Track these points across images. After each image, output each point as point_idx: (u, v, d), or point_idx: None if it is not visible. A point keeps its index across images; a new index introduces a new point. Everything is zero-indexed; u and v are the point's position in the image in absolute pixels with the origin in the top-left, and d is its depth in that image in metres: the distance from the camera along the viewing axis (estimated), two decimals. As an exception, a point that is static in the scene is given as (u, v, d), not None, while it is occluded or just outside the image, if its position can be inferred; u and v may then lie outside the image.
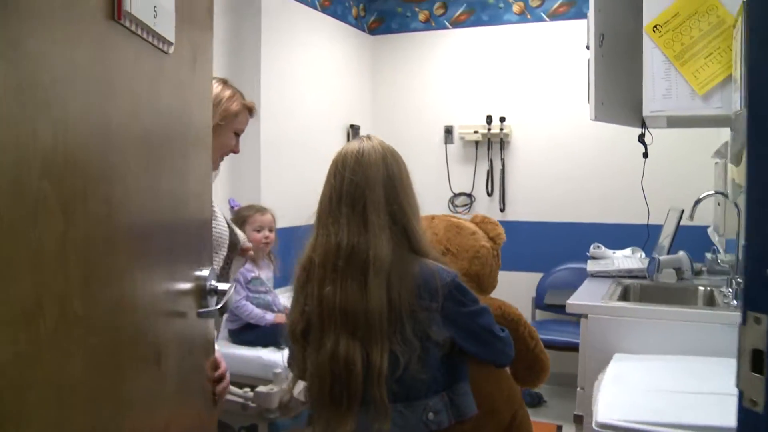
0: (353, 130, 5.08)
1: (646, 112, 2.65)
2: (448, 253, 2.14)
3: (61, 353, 0.97)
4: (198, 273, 1.59)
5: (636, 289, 2.75)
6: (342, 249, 1.73)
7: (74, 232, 1.01)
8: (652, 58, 2.68)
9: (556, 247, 4.82)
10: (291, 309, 1.89)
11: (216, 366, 1.73)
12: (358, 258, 1.71)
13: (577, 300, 2.38)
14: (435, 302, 1.72)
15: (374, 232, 1.72)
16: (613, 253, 3.41)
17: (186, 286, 1.51)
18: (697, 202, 2.71)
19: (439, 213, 2.39)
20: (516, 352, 1.95)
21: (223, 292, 1.66)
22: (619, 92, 2.93)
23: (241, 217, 3.28)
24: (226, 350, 3.06)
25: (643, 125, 3.11)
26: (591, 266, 3.04)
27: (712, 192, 2.89)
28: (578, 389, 2.35)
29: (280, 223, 4.09)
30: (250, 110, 2.25)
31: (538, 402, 4.59)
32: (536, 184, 4.94)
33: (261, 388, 2.86)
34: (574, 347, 4.17)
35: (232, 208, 3.37)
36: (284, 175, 4.25)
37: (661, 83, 2.68)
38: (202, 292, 1.61)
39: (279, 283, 3.48)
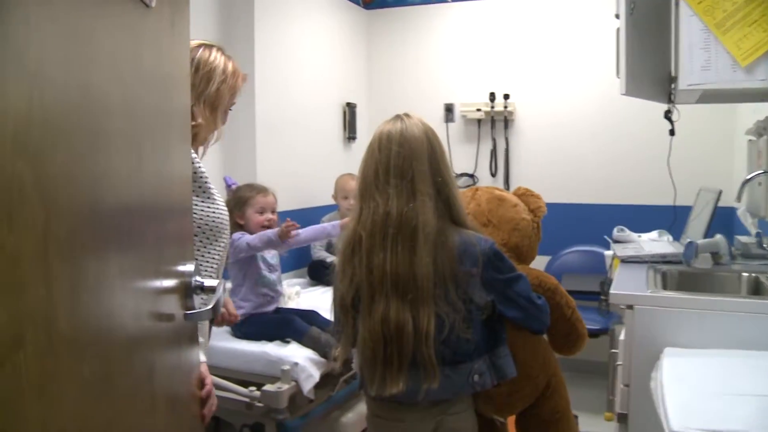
0: (349, 109, 4.86)
1: (682, 86, 2.44)
2: (490, 224, 2.21)
3: (44, 391, 0.75)
4: (181, 268, 1.39)
5: (674, 275, 2.56)
6: (392, 217, 1.82)
7: (57, 226, 0.78)
8: (690, 26, 2.47)
9: (564, 229, 4.63)
10: (339, 281, 1.94)
11: (202, 382, 1.52)
12: (408, 225, 1.81)
13: (620, 289, 2.18)
14: (475, 268, 1.84)
15: (422, 201, 1.82)
16: (639, 236, 3.22)
17: (169, 284, 1.32)
18: (745, 182, 2.53)
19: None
20: (553, 320, 2.11)
21: (212, 290, 1.46)
22: (648, 65, 2.72)
23: (241, 198, 3.06)
24: (227, 345, 2.86)
25: (670, 101, 2.91)
26: (620, 251, 2.84)
27: (761, 171, 2.69)
28: (621, 386, 2.16)
29: (279, 207, 3.88)
30: (244, 81, 2.05)
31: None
32: (542, 164, 4.74)
33: (269, 387, 2.65)
34: (590, 334, 4.05)
35: (228, 187, 3.14)
36: (280, 156, 4.02)
37: (699, 54, 2.47)
38: (187, 291, 1.41)
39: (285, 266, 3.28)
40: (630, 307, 2.10)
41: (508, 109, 4.75)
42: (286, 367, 2.66)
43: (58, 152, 0.82)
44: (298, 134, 4.24)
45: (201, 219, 1.84)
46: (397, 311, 1.80)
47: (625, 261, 2.71)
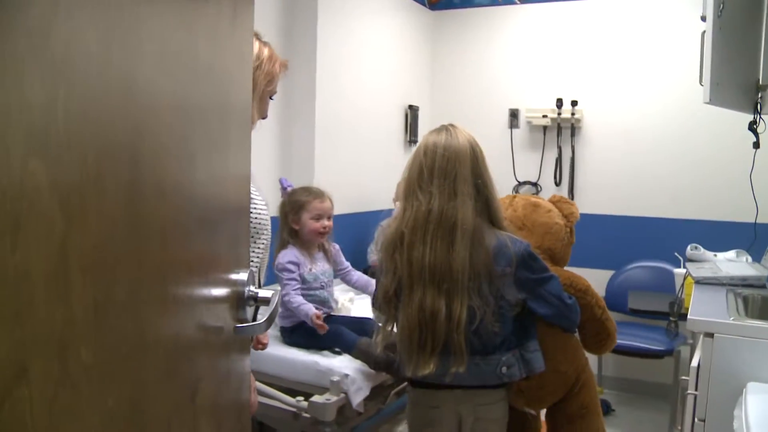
0: (412, 111, 4.74)
1: (774, 95, 2.26)
2: (524, 228, 2.33)
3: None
4: (234, 277, 1.30)
5: (756, 301, 2.37)
6: (433, 214, 1.97)
7: (80, 237, 0.68)
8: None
9: (629, 243, 4.44)
10: (383, 276, 2.10)
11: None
12: (448, 221, 1.96)
13: (698, 314, 2.01)
14: (509, 267, 1.98)
15: (462, 200, 1.97)
16: (714, 255, 3.02)
17: (219, 294, 1.23)
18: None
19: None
20: (584, 320, 2.26)
21: (266, 301, 1.36)
22: (734, 72, 2.54)
23: (297, 202, 2.95)
24: (276, 352, 2.76)
25: (756, 111, 2.72)
26: (695, 271, 2.66)
27: None
28: (696, 420, 1.99)
29: (335, 209, 3.80)
30: (285, 69, 1.94)
31: (606, 411, 4.22)
32: (609, 174, 4.54)
33: (316, 398, 2.54)
34: (653, 354, 3.88)
35: (284, 189, 3.05)
36: (339, 158, 3.93)
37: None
38: (240, 302, 1.33)
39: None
40: (710, 335, 1.93)
41: (576, 116, 4.57)
42: (336, 378, 2.56)
43: (87, 152, 0.73)
44: (358, 136, 4.15)
45: None
46: (432, 299, 1.96)
47: (701, 282, 2.52)
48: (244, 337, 1.36)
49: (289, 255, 2.85)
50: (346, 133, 4.01)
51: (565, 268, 2.46)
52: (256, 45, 1.84)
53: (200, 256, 1.14)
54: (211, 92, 1.17)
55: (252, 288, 1.38)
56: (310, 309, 2.73)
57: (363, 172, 4.21)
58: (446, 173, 1.99)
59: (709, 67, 2.38)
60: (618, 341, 3.93)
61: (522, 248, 2.02)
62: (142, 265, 0.88)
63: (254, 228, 1.85)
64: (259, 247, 1.91)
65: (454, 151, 2.01)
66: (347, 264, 3.12)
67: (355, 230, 4.15)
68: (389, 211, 4.26)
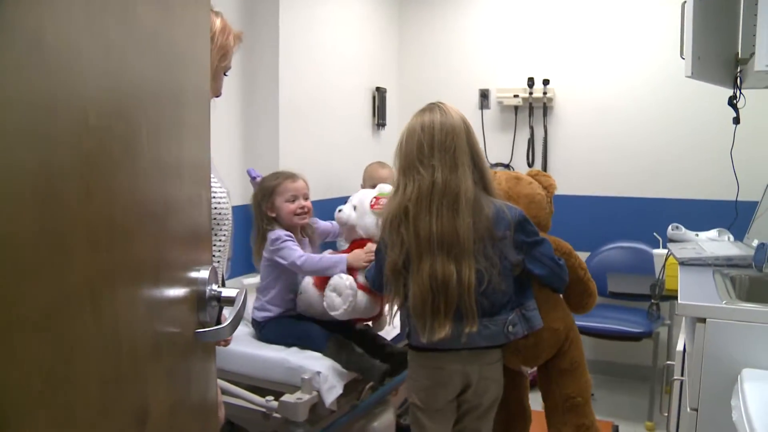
0: (379, 94, 4.59)
1: (759, 66, 2.15)
2: (510, 200, 2.37)
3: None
4: (193, 275, 1.18)
5: (744, 282, 2.27)
6: (437, 185, 2.08)
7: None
8: (768, 1, 2.18)
9: (605, 224, 4.35)
10: (390, 250, 2.18)
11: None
12: (451, 191, 2.08)
13: (689, 299, 1.90)
14: (508, 231, 2.13)
15: (463, 171, 2.09)
16: (696, 235, 2.93)
17: (176, 296, 1.10)
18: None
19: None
20: (569, 281, 2.38)
21: (230, 301, 1.23)
22: (715, 45, 2.44)
23: (267, 188, 2.79)
24: (245, 349, 2.63)
25: (735, 86, 2.62)
26: (678, 251, 2.56)
27: None
28: (688, 409, 1.89)
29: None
30: (239, 41, 1.79)
31: (585, 395, 4.14)
32: (583, 154, 4.45)
33: (287, 398, 2.40)
34: (632, 336, 3.81)
35: (253, 179, 2.89)
36: (304, 144, 3.78)
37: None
38: (200, 303, 1.19)
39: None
40: (702, 320, 1.82)
41: (548, 95, 4.46)
42: (307, 377, 2.42)
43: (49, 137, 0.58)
44: (324, 121, 3.99)
45: None
46: (443, 266, 2.07)
47: (685, 263, 2.42)
48: (207, 342, 1.22)
49: (278, 231, 2.71)
50: (311, 117, 3.85)
51: None
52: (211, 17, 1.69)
53: (146, 256, 1.00)
54: (156, 67, 1.02)
55: (215, 287, 1.24)
56: (336, 256, 2.71)
57: (330, 157, 4.06)
58: (446, 147, 2.10)
59: (690, 40, 2.27)
60: (595, 324, 3.91)
61: (517, 213, 2.18)
62: (62, 275, 0.74)
63: (214, 219, 1.71)
64: (220, 239, 1.78)
65: (450, 125, 2.12)
66: (318, 221, 3.04)
67: (323, 217, 4.00)
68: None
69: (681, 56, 2.36)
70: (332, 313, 2.56)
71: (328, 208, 4.04)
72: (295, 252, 2.65)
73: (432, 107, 2.20)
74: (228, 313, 1.23)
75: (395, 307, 2.27)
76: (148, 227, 1.01)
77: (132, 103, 0.95)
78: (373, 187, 3.93)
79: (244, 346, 2.64)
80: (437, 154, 2.10)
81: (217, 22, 1.71)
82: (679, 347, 2.37)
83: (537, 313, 2.26)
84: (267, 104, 3.52)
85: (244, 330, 2.80)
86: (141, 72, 0.98)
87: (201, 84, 1.22)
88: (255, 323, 2.73)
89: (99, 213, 0.85)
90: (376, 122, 4.61)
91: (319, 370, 2.46)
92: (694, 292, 2.01)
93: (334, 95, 4.09)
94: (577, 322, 3.79)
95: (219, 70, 1.75)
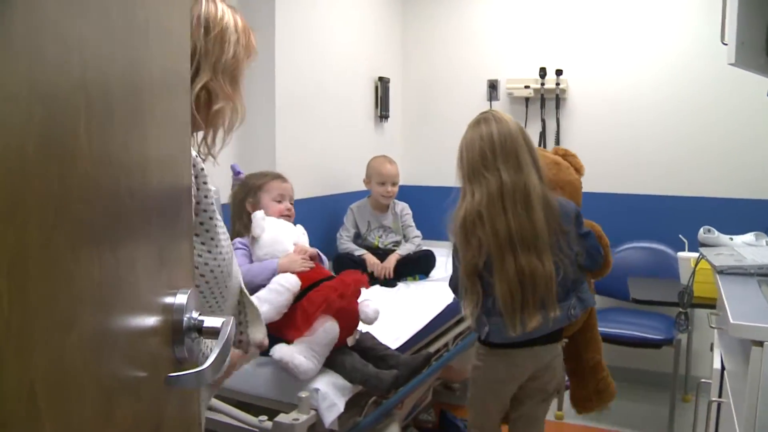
0: (382, 84, 4.36)
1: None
2: (557, 189, 2.43)
3: None
4: (166, 300, 0.97)
5: (793, 295, 2.03)
6: (506, 186, 2.18)
7: None
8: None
9: (622, 223, 4.10)
10: (466, 252, 2.25)
11: None
12: (521, 190, 2.19)
13: (742, 318, 1.66)
14: (570, 225, 2.29)
15: (527, 171, 2.21)
16: (730, 239, 2.69)
17: (138, 330, 0.89)
18: None
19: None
20: None
21: (214, 332, 1.01)
22: (760, 30, 2.19)
23: (252, 186, 2.62)
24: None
25: (777, 75, 2.38)
26: (714, 258, 2.32)
27: None
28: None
29: (300, 194, 3.42)
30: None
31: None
32: (599, 148, 4.19)
33: (282, 417, 2.17)
34: (651, 344, 3.58)
35: (237, 175, 2.68)
36: (303, 138, 3.54)
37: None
38: (176, 335, 0.96)
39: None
40: (758, 343, 1.58)
41: (561, 86, 4.22)
42: (304, 394, 2.19)
43: None
44: (324, 113, 3.75)
45: (200, 268, 1.31)
46: (528, 260, 2.18)
47: (725, 272, 2.18)
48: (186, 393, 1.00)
49: (236, 240, 2.53)
50: (310, 109, 3.61)
51: None
52: (229, 13, 1.40)
53: (97, 278, 0.77)
54: (123, 50, 0.79)
55: (195, 315, 1.01)
56: (266, 261, 2.44)
57: (330, 151, 3.83)
58: (507, 151, 2.21)
59: (735, 23, 2.02)
60: (614, 330, 3.68)
61: (573, 207, 2.34)
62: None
63: (216, 277, 1.40)
64: (230, 291, 1.45)
65: (507, 131, 2.23)
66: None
67: (323, 215, 3.78)
68: (361, 193, 3.90)
69: (722, 42, 2.12)
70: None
71: (328, 204, 3.82)
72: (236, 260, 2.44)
73: (486, 117, 2.30)
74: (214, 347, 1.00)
75: (468, 310, 2.33)
76: (99, 240, 0.78)
77: (97, 93, 0.72)
78: (381, 183, 3.69)
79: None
80: (500, 158, 2.21)
81: (239, 21, 1.42)
82: (716, 365, 2.14)
83: (589, 293, 2.43)
84: (262, 95, 3.28)
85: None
86: (109, 59, 0.75)
87: (179, 69, 0.99)
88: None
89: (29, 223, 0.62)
90: (379, 114, 4.37)
91: (318, 387, 2.23)
92: (743, 308, 1.76)
93: (334, 85, 3.86)
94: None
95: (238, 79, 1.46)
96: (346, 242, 3.71)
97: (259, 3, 3.25)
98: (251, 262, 2.47)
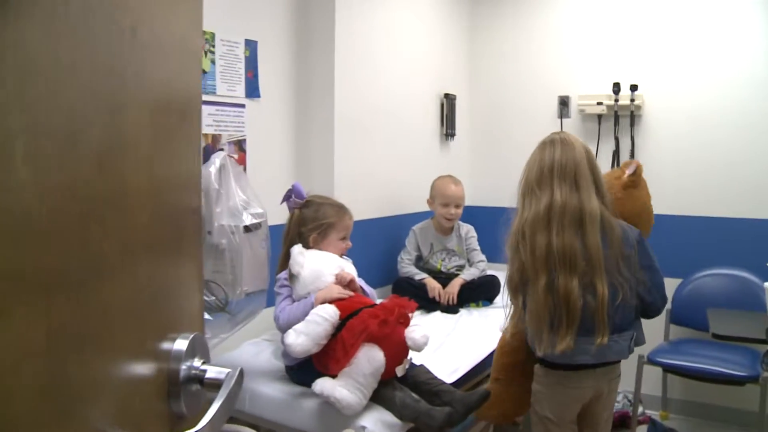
0: (448, 101, 4.22)
1: None
2: (624, 212, 2.35)
3: None
4: (164, 346, 0.86)
5: None
6: (555, 204, 2.16)
7: None
8: None
9: (700, 248, 3.85)
10: (509, 269, 2.27)
11: None
12: (573, 211, 2.15)
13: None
14: (633, 250, 2.21)
15: (585, 193, 2.17)
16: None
17: (134, 376, 0.80)
18: None
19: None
20: None
21: (216, 385, 0.89)
22: None
23: (324, 220, 2.51)
24: (275, 393, 2.30)
25: None
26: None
27: None
28: None
29: (361, 215, 3.32)
30: None
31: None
32: (676, 168, 3.95)
33: (337, 453, 2.05)
34: (734, 380, 3.32)
35: (300, 198, 2.56)
36: (363, 156, 3.43)
37: None
38: (173, 388, 0.88)
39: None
40: None
41: (636, 102, 4.00)
42: (364, 426, 2.06)
43: None
44: (386, 131, 3.64)
45: None
46: (565, 281, 2.11)
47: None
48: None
49: (282, 274, 2.43)
50: (371, 127, 3.50)
51: None
52: None
53: (92, 310, 0.67)
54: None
55: (198, 363, 0.90)
56: (306, 300, 2.31)
57: (393, 171, 3.70)
58: (565, 172, 2.19)
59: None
60: (694, 364, 3.44)
61: (636, 233, 2.27)
62: None
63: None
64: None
65: (571, 156, 2.21)
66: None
67: (384, 237, 3.65)
68: (425, 214, 3.76)
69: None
70: (291, 342, 2.15)
71: (391, 225, 3.70)
72: (279, 305, 2.36)
73: (553, 139, 2.28)
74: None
75: (510, 324, 2.38)
76: (80, 277, 0.67)
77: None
78: (445, 205, 3.54)
79: (275, 389, 2.31)
80: (556, 177, 2.19)
81: None
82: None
83: (641, 329, 2.34)
84: (321, 114, 3.19)
85: (275, 365, 2.47)
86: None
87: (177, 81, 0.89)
88: (289, 370, 2.38)
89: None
90: (444, 132, 4.24)
91: (364, 424, 2.09)
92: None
93: (397, 103, 3.74)
94: (671, 362, 3.38)
95: None
96: (407, 266, 3.56)
97: (318, 20, 3.17)
98: (293, 301, 2.36)
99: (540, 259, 2.15)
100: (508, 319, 2.39)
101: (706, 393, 3.82)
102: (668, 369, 3.52)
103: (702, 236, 3.88)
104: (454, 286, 3.45)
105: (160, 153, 0.87)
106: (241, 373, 0.91)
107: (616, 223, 2.20)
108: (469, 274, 3.55)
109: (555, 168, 2.19)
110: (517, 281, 2.25)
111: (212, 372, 0.90)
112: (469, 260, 3.66)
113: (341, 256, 2.51)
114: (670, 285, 3.79)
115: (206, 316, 2.09)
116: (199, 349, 0.92)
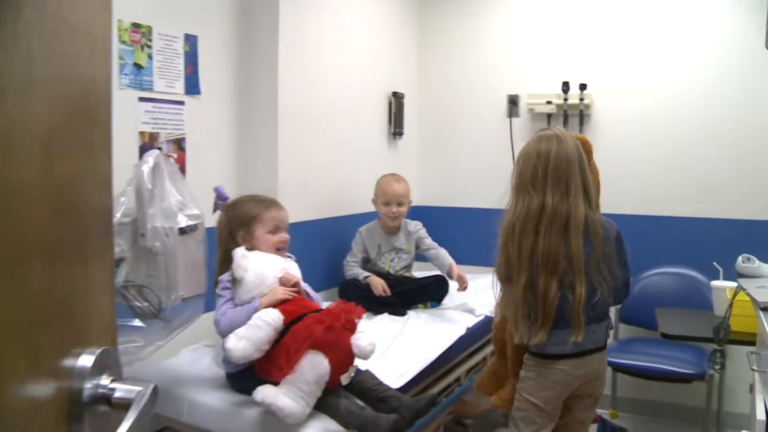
0: (396, 99, 4.15)
1: None
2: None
3: None
4: (67, 362, 0.78)
5: None
6: (547, 209, 2.23)
7: None
8: None
9: (650, 247, 3.84)
10: (498, 259, 2.35)
11: None
12: (561, 217, 2.24)
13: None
14: (613, 248, 2.34)
15: (575, 198, 2.25)
16: (773, 269, 2.45)
17: (27, 396, 0.71)
18: None
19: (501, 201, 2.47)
20: None
21: (125, 405, 0.81)
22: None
23: (246, 215, 2.41)
24: (217, 403, 2.20)
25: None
26: (758, 293, 2.09)
27: None
28: None
29: (304, 216, 3.22)
30: None
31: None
32: (625, 167, 3.94)
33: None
34: (681, 378, 3.32)
35: (224, 199, 2.48)
36: (308, 156, 3.33)
37: None
38: (75, 409, 0.78)
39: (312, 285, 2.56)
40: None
41: (585, 101, 3.99)
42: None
43: None
44: (332, 129, 3.54)
45: None
46: (545, 281, 2.23)
47: None
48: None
49: (225, 276, 2.32)
50: (317, 125, 3.40)
51: None
52: None
53: None
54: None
55: (106, 381, 0.81)
56: (251, 305, 2.20)
57: (339, 170, 3.62)
58: (559, 175, 2.25)
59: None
60: (639, 363, 3.43)
61: (615, 229, 2.39)
62: None
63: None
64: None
65: (565, 155, 2.26)
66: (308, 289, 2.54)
67: (331, 238, 3.57)
68: (372, 215, 3.68)
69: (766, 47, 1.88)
70: (231, 347, 2.05)
71: (338, 226, 3.61)
72: (220, 308, 2.25)
73: (549, 136, 2.32)
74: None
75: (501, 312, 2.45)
76: None
77: None
78: (386, 204, 3.47)
79: (213, 396, 2.21)
80: (550, 181, 2.26)
81: None
82: (759, 414, 1.90)
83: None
84: (265, 112, 3.08)
85: (216, 372, 2.37)
86: None
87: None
88: (229, 377, 2.28)
89: None
90: (392, 131, 4.16)
91: (309, 433, 2.01)
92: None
93: (344, 101, 3.65)
94: (621, 361, 3.37)
95: None
96: (352, 267, 3.45)
97: (261, 14, 3.06)
98: (235, 305, 2.26)
99: (524, 258, 2.26)
100: (497, 302, 2.49)
101: (655, 391, 3.83)
102: (618, 368, 3.51)
103: (650, 235, 3.88)
104: (453, 270, 3.38)
105: (61, 147, 0.78)
106: (155, 391, 0.82)
107: (600, 224, 2.31)
108: (442, 256, 3.46)
109: (549, 171, 2.26)
110: (503, 273, 2.35)
111: (121, 390, 0.81)
112: (428, 253, 3.54)
113: (277, 251, 2.40)
114: (620, 284, 3.83)
115: (139, 323, 1.98)
116: (108, 364, 0.82)
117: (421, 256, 3.64)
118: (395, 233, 3.55)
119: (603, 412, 3.85)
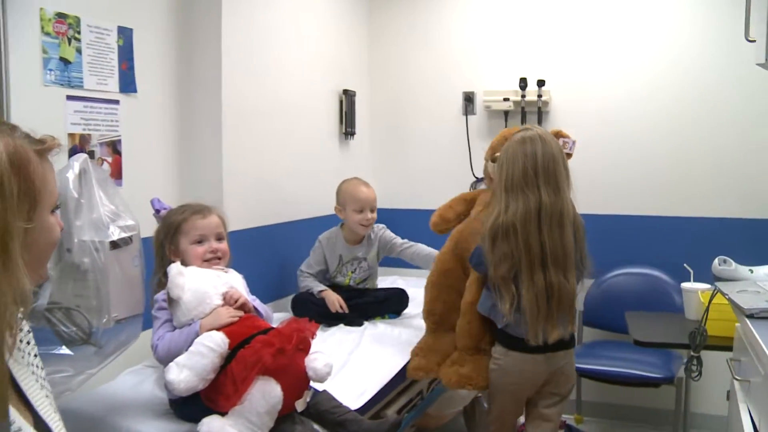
0: (347, 98, 3.97)
1: None
2: None
3: None
4: None
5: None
6: (544, 207, 2.34)
7: None
8: None
9: (612, 247, 3.73)
10: (495, 264, 2.37)
11: None
12: (556, 213, 2.36)
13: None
14: (584, 239, 2.49)
15: (564, 194, 2.39)
16: (750, 271, 2.33)
17: None
18: None
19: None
20: None
21: None
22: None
23: (171, 225, 2.20)
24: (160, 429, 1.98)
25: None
26: (740, 297, 1.95)
27: None
28: None
29: (251, 222, 3.01)
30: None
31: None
32: (585, 165, 3.74)
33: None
34: (650, 383, 3.21)
35: (157, 212, 2.27)
36: (256, 158, 3.12)
37: None
38: None
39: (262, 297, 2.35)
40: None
41: (543, 98, 3.88)
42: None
43: None
44: (280, 129, 3.33)
45: None
46: (556, 276, 2.34)
47: (755, 316, 1.81)
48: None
49: (160, 294, 2.09)
50: (264, 126, 3.19)
51: None
52: None
53: None
54: None
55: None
56: (191, 327, 1.99)
57: (289, 172, 3.41)
58: (549, 173, 2.34)
59: (765, 18, 1.66)
60: (606, 368, 3.32)
61: (582, 222, 2.48)
62: None
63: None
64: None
65: (550, 153, 2.35)
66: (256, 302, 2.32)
67: (280, 245, 3.36)
68: (328, 220, 3.48)
69: (746, 38, 1.75)
70: (173, 380, 1.85)
71: (287, 232, 3.41)
72: (156, 332, 2.04)
73: (532, 137, 2.37)
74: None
75: (506, 308, 2.40)
76: None
77: None
78: (359, 211, 3.21)
79: (154, 427, 1.99)
80: (542, 179, 2.33)
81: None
82: (747, 427, 1.77)
83: None
84: (208, 111, 2.86)
85: (158, 398, 2.16)
86: None
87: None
88: (172, 403, 2.07)
89: None
90: (344, 130, 3.98)
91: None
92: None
93: (292, 99, 3.45)
94: (587, 366, 3.25)
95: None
96: (306, 278, 3.21)
97: (203, 6, 2.85)
98: (174, 328, 2.04)
99: (535, 257, 2.33)
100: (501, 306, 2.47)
101: (621, 394, 3.73)
102: (585, 374, 3.38)
103: (613, 235, 3.78)
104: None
105: None
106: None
107: (581, 219, 2.45)
108: (422, 251, 3.25)
109: (539, 170, 2.33)
110: (509, 276, 2.37)
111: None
112: (404, 253, 3.31)
113: (204, 262, 2.18)
114: (585, 285, 3.72)
115: (66, 350, 1.76)
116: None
117: (394, 260, 3.44)
118: (359, 242, 3.33)
119: (568, 417, 3.73)
